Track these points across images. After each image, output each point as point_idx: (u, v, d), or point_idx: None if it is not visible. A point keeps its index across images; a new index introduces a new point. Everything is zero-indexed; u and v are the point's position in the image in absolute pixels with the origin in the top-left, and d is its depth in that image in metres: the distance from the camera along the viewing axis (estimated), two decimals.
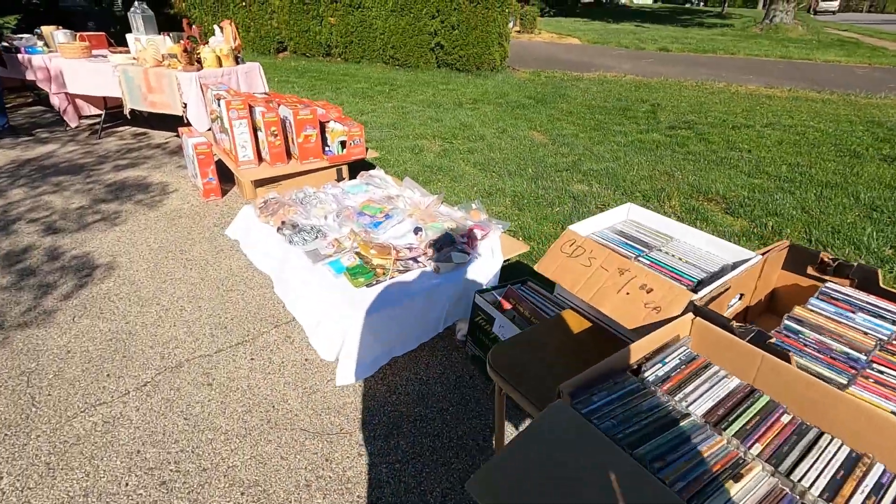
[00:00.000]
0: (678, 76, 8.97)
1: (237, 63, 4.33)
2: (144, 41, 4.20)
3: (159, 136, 5.08)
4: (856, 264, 0.98)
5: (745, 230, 3.17)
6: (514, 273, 2.48)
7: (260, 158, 3.07)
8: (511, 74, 8.69)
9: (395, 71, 8.89)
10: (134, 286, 2.53)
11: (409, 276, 1.92)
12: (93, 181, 3.86)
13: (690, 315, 0.83)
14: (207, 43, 4.29)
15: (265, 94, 3.64)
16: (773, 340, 0.76)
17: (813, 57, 11.80)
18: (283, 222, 2.28)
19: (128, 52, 4.72)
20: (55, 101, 4.82)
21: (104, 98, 4.80)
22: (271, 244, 2.26)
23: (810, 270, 1.05)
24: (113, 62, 4.33)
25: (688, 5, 50.04)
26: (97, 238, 3.00)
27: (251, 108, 2.95)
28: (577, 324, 1.19)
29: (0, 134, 4.72)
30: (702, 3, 54.68)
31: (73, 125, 4.97)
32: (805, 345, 0.82)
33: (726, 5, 37.91)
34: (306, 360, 2.05)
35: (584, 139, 5.07)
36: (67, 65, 4.45)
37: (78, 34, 4.73)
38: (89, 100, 4.93)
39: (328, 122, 3.21)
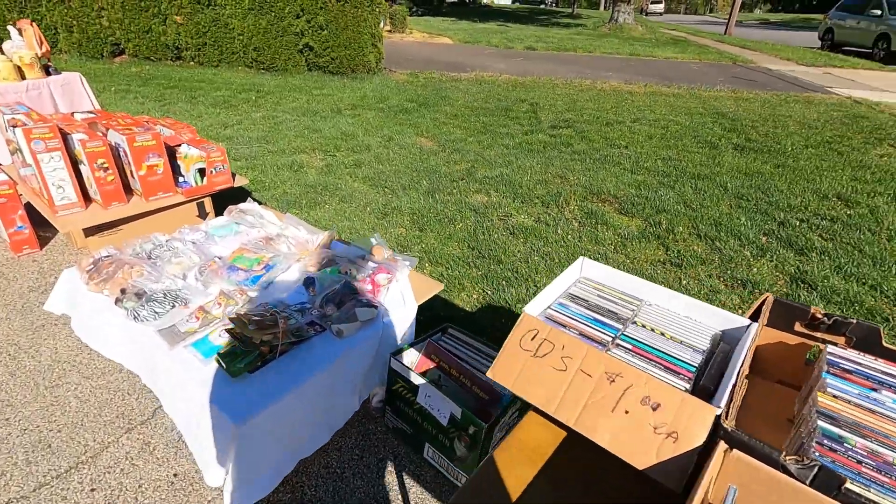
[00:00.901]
0: (548, 74, 9.35)
1: (48, 74, 3.44)
2: None
3: None
4: (854, 321, 0.84)
5: (641, 230, 3.22)
6: (429, 317, 2.18)
7: (87, 199, 2.38)
8: (388, 76, 8.36)
9: (261, 75, 8.07)
10: None
11: (306, 349, 1.52)
12: None
13: (722, 447, 0.60)
14: (0, 50, 3.34)
15: (91, 112, 2.88)
16: (848, 485, 0.56)
17: (655, 54, 13.16)
18: (122, 290, 1.71)
19: None
20: None
21: None
22: (113, 323, 1.68)
23: (798, 327, 0.90)
24: None
25: (542, 6, 53.92)
26: None
27: (65, 136, 2.26)
28: (550, 438, 0.90)
29: None
30: (554, 5, 59.32)
31: None
32: (859, 461, 0.64)
33: (576, 7, 41.52)
34: (175, 475, 1.54)
35: (474, 143, 4.93)
36: None
37: None
38: None
39: (179, 146, 2.61)
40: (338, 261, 1.96)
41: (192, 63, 8.69)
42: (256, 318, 1.50)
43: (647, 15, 43.50)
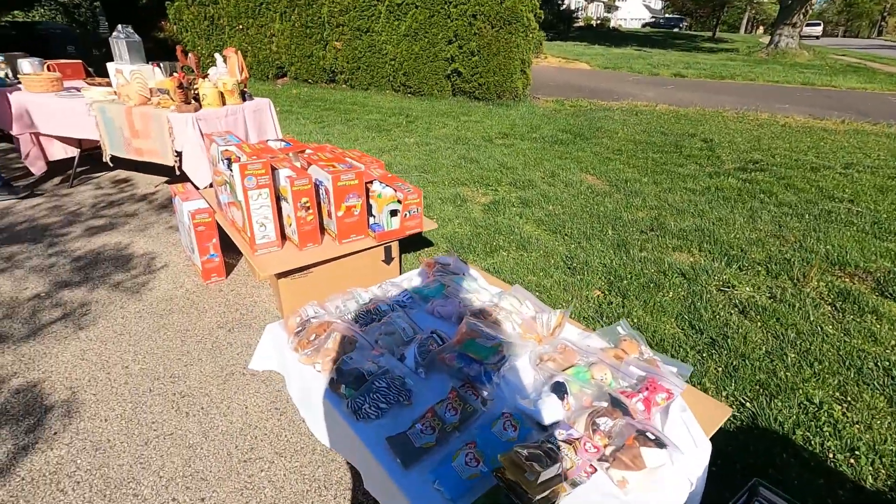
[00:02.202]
0: (710, 104, 8.36)
1: (244, 100, 3.53)
2: (128, 73, 3.38)
3: (145, 182, 4.23)
4: None
5: None
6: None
7: (283, 237, 2.24)
8: (534, 104, 8.01)
9: (408, 99, 8.17)
10: (99, 455, 1.65)
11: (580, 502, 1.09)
12: (57, 252, 2.98)
13: None
14: (207, 76, 3.48)
15: (282, 141, 2.83)
16: None
17: (835, 84, 11.36)
18: (338, 370, 1.44)
19: (108, 84, 3.89)
20: (19, 143, 3.96)
21: (79, 139, 3.94)
22: (328, 411, 1.41)
23: None
24: (87, 98, 3.49)
25: (676, 30, 50.89)
26: (53, 353, 2.12)
27: (273, 171, 2.13)
28: None
29: None
30: (688, 28, 55.70)
31: (36, 173, 4.10)
32: None
33: (717, 30, 38.43)
34: None
35: (650, 185, 4.32)
36: (33, 100, 3.61)
37: (48, 63, 3.91)
38: (63, 139, 4.06)
39: (371, 182, 2.40)
40: (583, 355, 1.53)
41: (344, 86, 9.11)
42: (531, 452, 1.10)
43: (800, 38, 38.95)
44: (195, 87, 3.29)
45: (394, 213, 2.39)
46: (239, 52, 3.49)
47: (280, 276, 2.20)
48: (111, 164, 3.68)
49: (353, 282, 2.37)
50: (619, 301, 2.53)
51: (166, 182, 4.21)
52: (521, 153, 5.23)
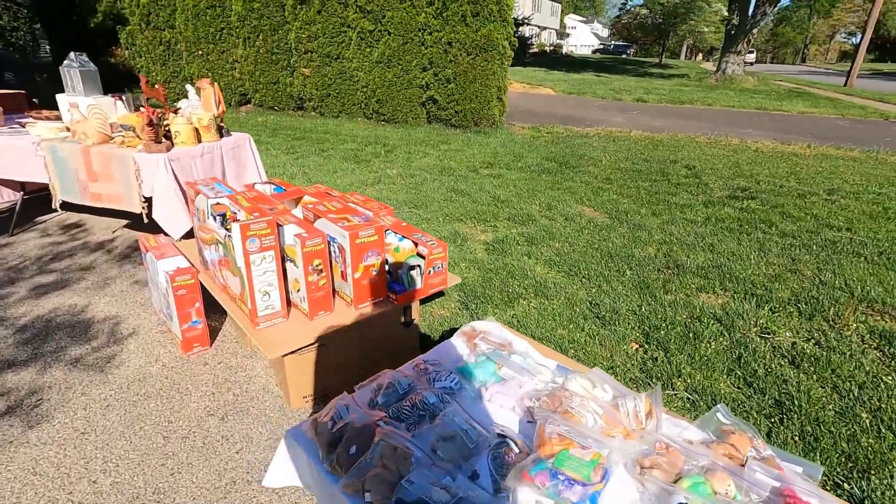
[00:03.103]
0: (679, 129, 8.53)
1: (220, 136, 3.15)
2: (84, 107, 2.95)
3: (100, 227, 3.73)
4: None
5: None
6: None
7: (288, 304, 1.88)
8: (511, 131, 7.92)
9: (382, 127, 7.90)
10: None
11: None
12: None
13: None
14: (177, 110, 3.09)
15: (269, 184, 2.48)
16: None
17: (786, 108, 11.97)
18: (397, 501, 1.11)
19: (58, 118, 3.43)
20: None
21: (22, 181, 3.43)
22: None
23: None
24: (34, 135, 3.03)
25: (624, 56, 53.48)
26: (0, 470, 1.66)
27: (278, 228, 1.79)
28: None
29: None
30: (633, 54, 58.66)
31: None
32: None
33: (663, 56, 40.60)
34: None
35: (649, 216, 4.20)
36: None
37: None
38: (2, 182, 3.53)
39: (385, 232, 2.09)
40: (690, 456, 1.26)
41: (313, 113, 8.76)
42: None
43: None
44: (165, 123, 2.90)
45: (413, 268, 2.08)
46: (215, 84, 3.12)
47: (287, 354, 1.84)
48: (58, 210, 3.19)
49: (371, 354, 2.03)
50: (662, 356, 2.30)
51: (126, 227, 3.73)
52: (512, 184, 5.04)
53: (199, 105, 3.19)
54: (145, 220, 2.85)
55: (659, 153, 6.62)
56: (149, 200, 2.82)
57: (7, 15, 10.44)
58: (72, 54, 3.40)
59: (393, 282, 2.04)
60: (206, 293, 2.20)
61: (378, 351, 2.11)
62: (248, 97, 9.19)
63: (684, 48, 63.06)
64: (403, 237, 2.09)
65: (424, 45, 7.44)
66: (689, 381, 2.13)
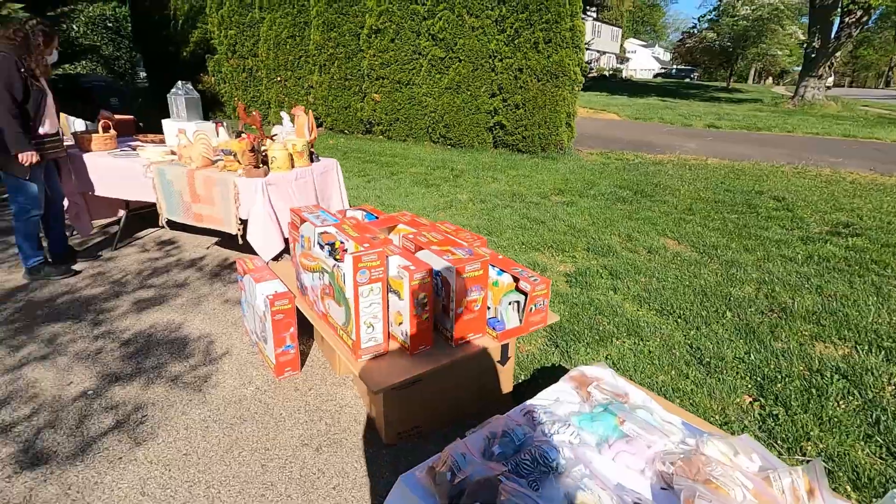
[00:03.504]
0: (759, 157, 8.05)
1: (311, 161, 3.24)
2: (191, 132, 3.13)
3: (191, 244, 3.92)
4: None
5: None
6: None
7: (387, 336, 1.85)
8: (580, 157, 7.77)
9: (448, 151, 7.98)
10: None
11: None
12: (104, 334, 2.62)
13: None
14: (273, 136, 3.21)
15: (361, 210, 2.49)
16: None
17: (878, 136, 11.07)
18: None
19: (161, 142, 3.66)
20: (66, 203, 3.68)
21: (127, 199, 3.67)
22: None
23: None
24: (144, 158, 3.24)
25: (687, 80, 51.94)
26: (106, 483, 1.70)
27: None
28: None
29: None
30: (697, 78, 56.82)
31: (83, 235, 3.82)
32: None
33: (731, 80, 39.02)
34: None
35: (741, 252, 3.91)
36: (90, 161, 3.35)
37: (103, 119, 3.69)
38: (106, 200, 3.80)
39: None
40: None
41: (381, 136, 8.99)
42: None
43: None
44: (263, 148, 3.01)
45: (512, 304, 2.00)
46: (310, 111, 3.23)
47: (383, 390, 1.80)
48: (164, 227, 3.38)
49: (463, 391, 1.96)
50: (782, 413, 2.07)
51: (216, 244, 3.90)
52: (586, 212, 4.89)
53: (292, 131, 3.31)
54: (240, 242, 2.95)
55: (741, 183, 6.25)
56: (244, 223, 2.91)
57: (112, 45, 11.57)
58: (179, 83, 3.64)
59: (493, 318, 1.96)
60: (301, 321, 2.22)
61: (471, 388, 2.03)
62: (320, 121, 9.58)
63: (752, 71, 60.48)
64: (502, 271, 2.02)
65: (494, 71, 7.49)
66: (819, 445, 1.89)
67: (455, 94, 7.82)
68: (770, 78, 65.45)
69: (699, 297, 3.11)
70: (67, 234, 3.53)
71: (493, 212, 4.87)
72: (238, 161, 2.92)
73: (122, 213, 3.82)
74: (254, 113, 3.37)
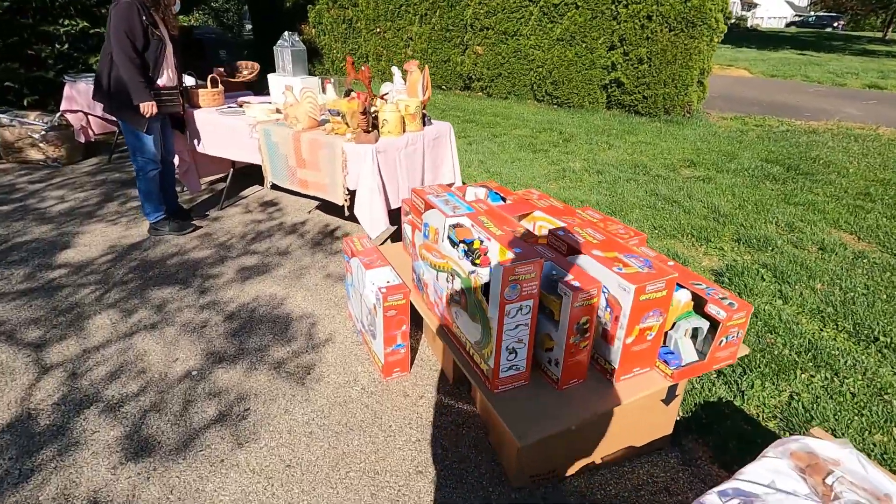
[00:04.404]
0: None
1: (423, 125, 2.87)
2: (297, 89, 2.86)
3: (294, 207, 3.78)
4: None
5: None
6: None
7: (530, 363, 1.47)
8: (710, 121, 6.71)
9: (555, 111, 7.26)
10: None
11: None
12: (209, 304, 2.51)
13: None
14: (383, 96, 2.86)
15: (484, 188, 2.09)
16: None
17: None
18: None
19: (267, 101, 3.46)
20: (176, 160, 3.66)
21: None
22: None
23: None
24: (250, 117, 3.05)
25: (829, 30, 44.48)
26: (208, 491, 1.54)
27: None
28: None
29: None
30: (840, 28, 48.35)
31: (192, 192, 3.81)
32: None
33: (889, 30, 32.67)
34: None
35: None
36: (198, 117, 3.24)
37: (211, 76, 3.55)
38: (213, 157, 3.72)
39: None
40: None
41: (480, 94, 8.42)
42: None
43: None
44: (374, 110, 2.68)
45: (693, 331, 1.52)
46: (426, 67, 2.83)
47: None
48: (268, 189, 3.22)
49: (619, 437, 1.54)
50: None
51: (317, 208, 3.72)
52: (728, 191, 4.11)
53: (403, 89, 2.94)
54: (346, 213, 2.69)
55: None
56: (352, 193, 2.64)
57: None
58: (285, 34, 3.38)
59: (666, 350, 1.51)
60: (414, 316, 1.91)
61: (625, 429, 1.62)
62: None
63: None
64: (680, 285, 1.53)
65: (617, 19, 6.55)
66: None
67: (567, 47, 7.00)
68: None
69: None
70: (178, 190, 3.52)
71: (615, 185, 4.25)
72: (346, 123, 2.62)
73: (223, 172, 3.74)
74: (363, 68, 3.03)
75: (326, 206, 3.64)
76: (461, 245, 1.42)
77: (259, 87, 4.12)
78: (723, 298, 1.47)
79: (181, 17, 10.79)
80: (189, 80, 3.51)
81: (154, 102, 2.74)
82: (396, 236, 3.10)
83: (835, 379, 2.00)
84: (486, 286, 1.33)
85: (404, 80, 2.95)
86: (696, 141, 5.69)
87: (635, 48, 6.48)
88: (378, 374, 2.05)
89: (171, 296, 2.59)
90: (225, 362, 2.11)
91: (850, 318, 2.40)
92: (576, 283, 1.30)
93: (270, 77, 3.46)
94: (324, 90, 3.09)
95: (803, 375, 2.02)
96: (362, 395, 1.94)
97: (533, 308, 1.32)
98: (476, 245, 1.39)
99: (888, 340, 2.23)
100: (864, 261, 2.99)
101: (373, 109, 2.69)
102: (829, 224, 3.52)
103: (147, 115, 2.74)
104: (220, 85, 3.43)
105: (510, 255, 1.29)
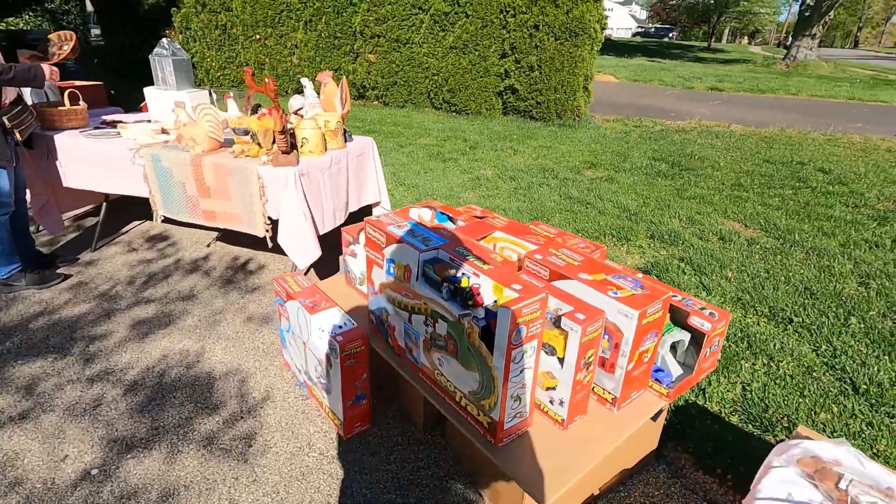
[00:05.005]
0: (779, 123, 7.65)
1: (345, 141, 2.61)
2: (189, 106, 2.44)
3: (188, 239, 3.27)
4: None
5: None
6: None
7: (532, 407, 1.33)
8: (597, 124, 7.21)
9: (454, 118, 7.29)
10: None
11: None
12: (100, 374, 2.02)
13: None
14: (298, 112, 2.55)
15: (429, 208, 1.93)
16: None
17: (883, 98, 10.84)
18: None
19: (145, 119, 2.94)
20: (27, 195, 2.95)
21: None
22: None
23: None
24: (128, 140, 2.54)
25: (666, 39, 51.18)
26: None
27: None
28: None
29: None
30: (674, 38, 56.01)
31: (54, 233, 3.11)
32: None
33: (712, 40, 38.49)
34: None
35: (818, 235, 3.51)
36: (62, 143, 2.63)
37: (69, 87, 2.92)
38: (77, 190, 3.07)
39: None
40: None
41: (376, 102, 8.20)
42: None
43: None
44: (289, 127, 2.36)
45: (675, 345, 1.50)
46: (343, 79, 2.57)
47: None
48: (157, 223, 2.73)
49: (616, 463, 1.47)
50: None
51: (219, 239, 3.26)
52: (630, 190, 4.40)
53: (317, 103, 2.66)
54: (270, 245, 2.34)
55: (777, 153, 5.84)
56: (274, 223, 2.30)
57: None
58: (164, 41, 2.90)
59: (657, 367, 1.46)
60: (374, 361, 1.68)
61: (623, 453, 1.55)
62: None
63: (727, 31, 59.90)
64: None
65: (507, 28, 6.76)
66: None
67: (461, 55, 7.07)
68: (746, 38, 65.05)
69: (807, 298, 2.68)
70: (32, 230, 2.84)
71: (529, 191, 4.32)
72: (259, 144, 2.28)
73: (92, 204, 3.12)
74: (266, 80, 2.68)
75: (229, 235, 3.20)
76: (446, 286, 1.24)
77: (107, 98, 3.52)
78: (703, 309, 1.47)
79: (8, 20, 9.07)
80: (29, 95, 2.86)
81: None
82: (324, 266, 2.81)
83: (771, 364, 2.15)
84: (484, 330, 1.16)
85: (317, 92, 2.66)
86: (591, 143, 6.06)
87: (526, 56, 6.74)
88: (336, 432, 1.77)
89: (42, 371, 2.04)
90: (136, 449, 1.68)
91: (764, 302, 2.63)
92: (580, 316, 1.18)
93: (148, 91, 2.95)
94: (225, 106, 2.68)
95: (746, 364, 2.14)
96: (322, 462, 1.66)
97: (537, 348, 1.18)
98: (464, 283, 1.22)
99: (801, 320, 2.47)
100: (757, 247, 3.34)
101: (289, 127, 2.37)
102: (720, 215, 3.90)
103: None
104: (81, 101, 2.83)
105: (509, 292, 1.14)
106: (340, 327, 1.65)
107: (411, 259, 1.35)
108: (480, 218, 1.94)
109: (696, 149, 5.90)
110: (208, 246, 3.19)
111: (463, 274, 1.24)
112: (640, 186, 4.51)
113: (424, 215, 2.02)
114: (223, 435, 1.76)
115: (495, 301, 1.18)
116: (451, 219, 1.97)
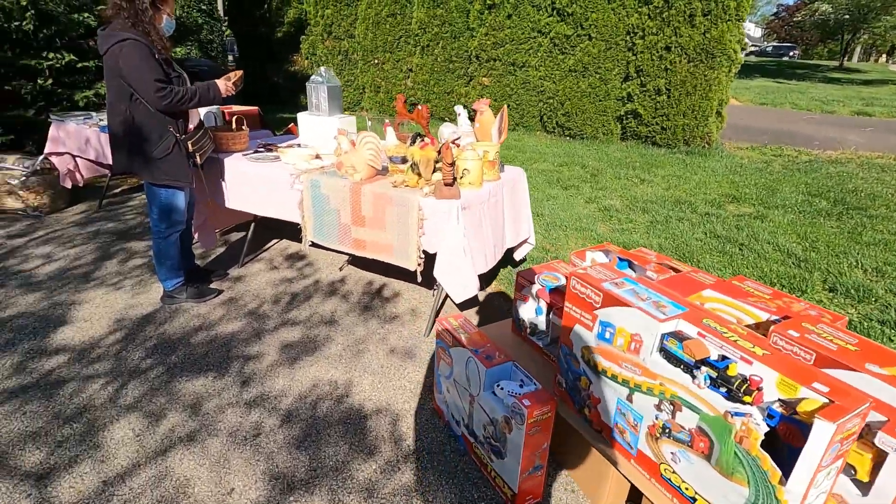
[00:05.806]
0: None
1: (500, 172, 2.48)
2: (352, 134, 2.44)
3: (323, 260, 3.32)
4: None
5: None
6: None
7: None
8: (730, 152, 6.57)
9: (568, 142, 7.03)
10: None
11: None
12: (257, 401, 2.01)
13: None
14: (456, 142, 2.47)
15: (606, 253, 1.71)
16: None
17: None
18: None
19: (297, 143, 3.03)
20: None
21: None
22: None
23: None
24: (288, 165, 2.61)
25: (787, 58, 46.91)
26: None
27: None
28: None
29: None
30: (796, 57, 51.08)
31: (207, 248, 3.31)
32: None
33: (845, 59, 34.57)
34: None
35: None
36: (229, 166, 2.77)
37: (229, 112, 3.11)
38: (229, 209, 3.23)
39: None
40: None
41: None
42: None
43: None
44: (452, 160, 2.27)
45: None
46: (504, 108, 2.46)
47: None
48: (305, 248, 2.76)
49: None
50: None
51: (350, 263, 3.27)
52: (790, 230, 3.85)
53: (470, 132, 2.56)
54: (419, 279, 2.25)
55: None
56: (423, 257, 2.21)
57: (207, 27, 11.44)
58: (322, 69, 2.98)
59: None
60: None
61: None
62: (417, 106, 8.89)
63: (858, 49, 53.58)
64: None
65: (633, 50, 6.41)
66: None
67: (580, 78, 6.82)
68: (883, 56, 57.83)
69: None
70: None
71: (666, 225, 3.94)
72: (418, 174, 2.21)
73: (240, 222, 3.26)
74: (420, 108, 2.64)
75: (360, 259, 3.20)
76: (705, 369, 1.01)
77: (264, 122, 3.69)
78: None
79: (175, 49, 10.31)
80: (209, 120, 3.06)
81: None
82: (490, 313, 2.68)
83: None
84: (769, 436, 0.91)
85: (471, 119, 2.57)
86: (728, 174, 5.49)
87: (653, 79, 6.33)
88: (501, 498, 1.59)
89: (205, 389, 2.08)
90: (297, 492, 1.62)
91: None
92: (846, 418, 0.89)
93: (301, 116, 3.05)
94: (384, 134, 2.68)
95: None
96: None
97: (839, 469, 0.91)
98: (732, 371, 0.98)
99: None
100: None
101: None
102: None
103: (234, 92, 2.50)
104: (244, 125, 2.98)
105: (809, 393, 0.88)
106: (522, 388, 1.47)
107: (644, 328, 1.13)
108: (675, 270, 1.68)
109: (859, 184, 5.11)
110: (341, 269, 3.21)
111: (729, 359, 1.00)
112: (800, 227, 3.94)
113: (599, 259, 1.82)
114: (382, 487, 1.64)
115: (781, 400, 0.93)
116: (629, 264, 1.74)
